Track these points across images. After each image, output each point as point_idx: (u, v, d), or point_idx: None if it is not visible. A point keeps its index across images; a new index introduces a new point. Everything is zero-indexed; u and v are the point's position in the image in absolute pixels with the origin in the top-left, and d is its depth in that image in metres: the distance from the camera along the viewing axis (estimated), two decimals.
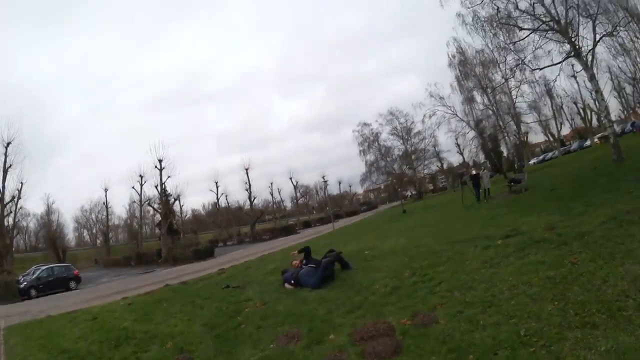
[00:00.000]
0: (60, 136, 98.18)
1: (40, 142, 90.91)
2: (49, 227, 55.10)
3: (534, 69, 21.49)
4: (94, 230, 66.02)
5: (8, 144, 29.63)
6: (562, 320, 3.61)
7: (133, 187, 42.67)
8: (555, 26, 17.98)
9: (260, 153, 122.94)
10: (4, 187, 29.55)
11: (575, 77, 37.85)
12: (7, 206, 30.15)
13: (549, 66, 20.22)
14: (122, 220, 63.37)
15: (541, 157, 57.88)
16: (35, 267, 27.14)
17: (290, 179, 59.67)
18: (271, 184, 58.34)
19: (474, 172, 21.18)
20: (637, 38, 27.28)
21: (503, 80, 31.51)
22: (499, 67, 31.61)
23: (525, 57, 20.39)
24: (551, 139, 55.30)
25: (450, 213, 17.26)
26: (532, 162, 54.43)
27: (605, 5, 17.96)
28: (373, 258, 9.59)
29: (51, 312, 11.86)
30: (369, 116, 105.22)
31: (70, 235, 64.82)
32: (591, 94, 31.89)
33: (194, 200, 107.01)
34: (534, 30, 18.92)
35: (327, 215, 60.66)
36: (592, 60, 18.29)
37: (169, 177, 36.59)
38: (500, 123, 34.77)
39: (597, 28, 17.88)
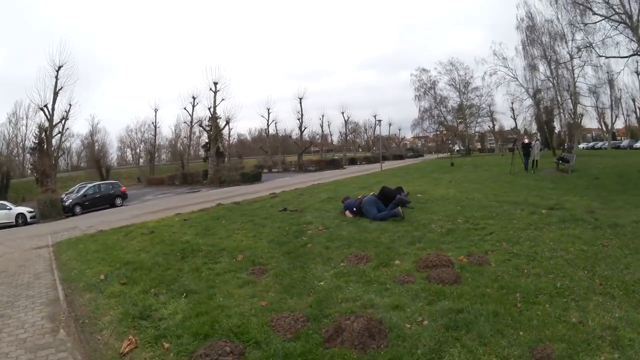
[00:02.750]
0: (111, 59, 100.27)
1: (91, 65, 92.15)
2: (93, 147, 56.26)
3: (600, 55, 20.60)
4: (138, 150, 67.14)
5: (59, 67, 29.03)
6: (589, 285, 4.20)
7: (185, 108, 43.38)
8: (627, 20, 17.14)
9: (315, 85, 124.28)
10: (53, 109, 29.16)
11: (638, 74, 36.59)
12: (56, 127, 29.87)
13: (615, 57, 19.78)
14: (167, 140, 63.93)
15: (591, 144, 55.58)
16: (80, 184, 27.35)
17: (342, 113, 59.06)
18: (322, 115, 58.19)
19: (526, 140, 20.77)
20: None
21: (568, 57, 30.07)
22: (565, 42, 30.63)
23: (594, 42, 19.79)
24: (604, 128, 52.21)
25: (498, 176, 17.41)
26: (581, 146, 51.92)
27: None
28: (426, 201, 10.02)
29: (101, 227, 11.74)
30: (427, 64, 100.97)
31: (113, 154, 66.08)
32: None
33: (241, 124, 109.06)
34: (606, 18, 18.02)
35: (372, 155, 61.32)
36: None
37: (222, 99, 36.01)
38: (559, 98, 33.05)
39: None
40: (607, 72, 31.38)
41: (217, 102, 35.85)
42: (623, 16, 17.46)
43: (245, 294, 4.62)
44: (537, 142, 20.73)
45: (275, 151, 56.24)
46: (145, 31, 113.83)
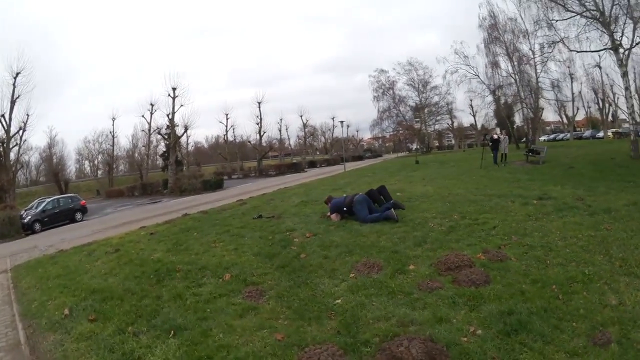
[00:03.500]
0: (68, 68, 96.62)
1: (47, 75, 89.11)
2: (51, 161, 54.24)
3: (572, 50, 22.15)
4: (96, 162, 65.15)
5: (17, 74, 28.65)
6: (611, 268, 4.29)
7: (143, 116, 42.31)
8: (600, 17, 18.40)
9: (273, 89, 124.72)
10: (10, 119, 28.68)
11: (600, 68, 39.10)
12: (13, 139, 29.34)
13: (587, 51, 21.37)
14: (125, 151, 61.93)
15: (552, 136, 58.90)
16: (38, 199, 25.93)
17: (301, 116, 59.93)
18: (280, 119, 58.58)
19: (495, 136, 21.43)
20: None
21: (530, 53, 32.23)
22: (528, 38, 32.55)
23: (568, 37, 21.12)
24: (564, 121, 55.49)
25: (469, 170, 17.75)
26: (542, 138, 54.72)
27: None
28: (409, 199, 9.66)
29: (62, 247, 10.67)
30: (385, 65, 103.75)
31: (72, 167, 63.76)
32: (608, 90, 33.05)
33: (197, 132, 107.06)
34: (578, 14, 19.24)
35: (332, 157, 61.70)
36: (627, 58, 19.05)
37: (181, 105, 35.68)
38: (521, 93, 34.73)
39: (637, 31, 18.48)
40: (569, 67, 34.11)
41: (176, 108, 35.44)
42: (596, 13, 18.70)
43: (250, 325, 3.88)
44: (505, 136, 21.32)
45: (233, 157, 56.19)
46: (104, 38, 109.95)
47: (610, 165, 15.42)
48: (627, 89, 19.57)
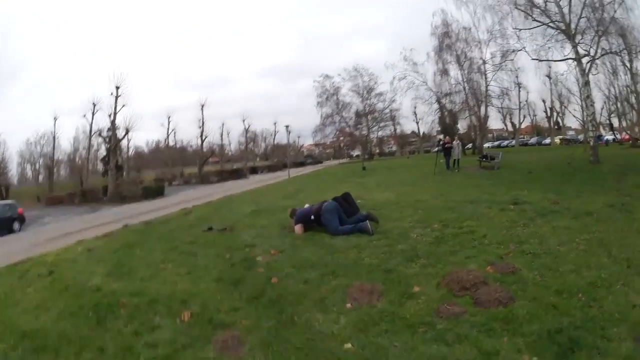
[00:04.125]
0: (12, 66, 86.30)
1: None
2: None
3: (534, 59, 22.98)
4: (37, 165, 60.35)
5: None
6: (621, 269, 4.19)
7: (84, 116, 40.17)
8: (565, 29, 19.46)
9: (215, 94, 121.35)
10: None
11: (549, 77, 42.71)
12: None
13: (550, 60, 22.76)
14: (67, 154, 57.91)
15: (496, 143, 62.40)
16: None
17: (244, 121, 59.38)
18: (222, 124, 57.72)
19: (448, 144, 21.54)
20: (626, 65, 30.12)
21: (481, 62, 34.03)
22: (480, 48, 34.26)
23: (523, 47, 22.36)
24: (509, 128, 59.04)
25: (423, 176, 17.70)
26: (486, 145, 57.63)
27: (608, 26, 19.78)
28: (374, 207, 9.04)
29: None
30: (329, 72, 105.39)
31: (13, 170, 58.76)
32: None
33: (138, 136, 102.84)
34: (546, 25, 20.32)
35: (273, 163, 62.00)
36: (589, 69, 20.28)
37: (124, 105, 34.30)
38: (469, 101, 36.15)
39: (601, 44, 19.94)
40: (517, 77, 35.53)
41: (118, 108, 34.05)
42: (561, 24, 19.79)
43: None
44: (458, 142, 21.66)
45: (174, 163, 54.38)
46: (49, 34, 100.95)
47: (569, 170, 15.93)
48: (588, 97, 20.73)
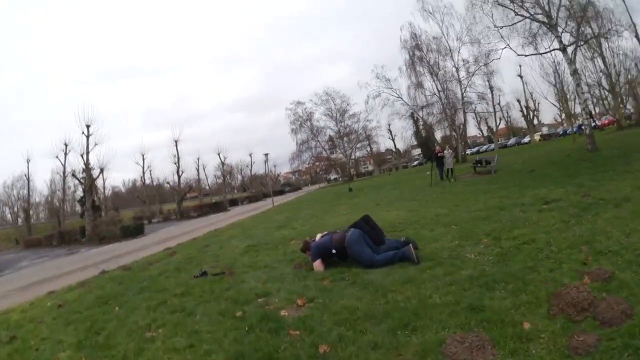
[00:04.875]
0: None
1: None
2: None
3: (520, 55, 22.87)
4: (16, 208, 60.64)
5: None
6: None
7: (57, 157, 38.13)
8: (546, 20, 19.38)
9: (187, 130, 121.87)
10: None
11: (521, 77, 44.21)
12: None
13: (536, 54, 23.13)
14: (44, 197, 57.59)
15: (475, 149, 63.19)
16: None
17: (219, 154, 57.92)
18: (198, 159, 56.07)
19: (439, 153, 20.91)
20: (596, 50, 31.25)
21: (454, 70, 34.69)
22: (451, 56, 35.02)
23: (508, 44, 22.14)
24: (483, 133, 59.40)
25: (420, 190, 16.80)
26: (467, 151, 58.18)
27: (586, 13, 20.32)
28: (395, 229, 7.94)
29: None
30: (300, 99, 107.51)
31: None
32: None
33: (114, 176, 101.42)
34: (529, 18, 20.20)
35: (252, 194, 61.03)
36: (574, 57, 20.06)
37: (96, 144, 32.64)
38: (447, 110, 36.12)
39: (581, 29, 20.24)
40: (488, 81, 36.29)
41: (91, 147, 32.32)
42: (543, 17, 19.60)
43: None
44: (450, 151, 20.97)
45: (152, 200, 52.74)
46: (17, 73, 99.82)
47: (571, 162, 15.36)
48: (578, 85, 20.42)
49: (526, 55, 23.03)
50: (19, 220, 58.08)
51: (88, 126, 32.01)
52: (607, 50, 32.69)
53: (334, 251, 5.74)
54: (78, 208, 48.06)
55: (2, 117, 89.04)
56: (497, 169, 18.29)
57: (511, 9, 20.23)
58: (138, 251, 14.86)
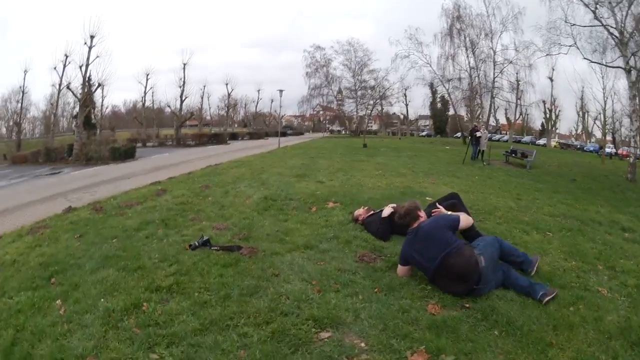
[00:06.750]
0: None
1: None
2: None
3: (585, 59, 21.73)
4: (11, 122, 57.89)
5: None
6: None
7: (54, 68, 36.57)
8: (617, 35, 18.02)
9: (197, 58, 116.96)
10: None
11: (551, 80, 44.76)
12: None
13: (599, 63, 21.86)
14: (42, 112, 56.48)
15: (489, 136, 60.81)
16: None
17: (226, 84, 57.41)
18: (204, 86, 55.34)
19: (479, 134, 19.80)
20: None
21: (492, 52, 34.26)
22: (491, 37, 34.06)
23: (575, 43, 20.84)
24: (501, 123, 59.11)
25: (451, 164, 15.90)
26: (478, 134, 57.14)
27: None
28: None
29: None
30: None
31: None
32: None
33: (116, 96, 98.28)
34: (603, 26, 18.79)
35: (254, 131, 60.45)
36: (636, 80, 18.91)
37: (97, 57, 31.04)
38: (479, 89, 35.14)
39: None
40: (517, 73, 35.74)
41: (92, 59, 30.77)
42: (615, 32, 18.26)
43: None
44: (485, 131, 19.50)
45: (150, 123, 51.45)
46: None
47: (613, 185, 14.70)
48: (634, 111, 19.36)
49: (591, 62, 21.83)
50: (14, 135, 56.07)
51: (92, 37, 30.52)
52: None
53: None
54: (74, 123, 46.70)
55: (6, 29, 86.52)
56: (532, 165, 17.21)
57: (592, 10, 18.71)
58: (122, 179, 13.86)
